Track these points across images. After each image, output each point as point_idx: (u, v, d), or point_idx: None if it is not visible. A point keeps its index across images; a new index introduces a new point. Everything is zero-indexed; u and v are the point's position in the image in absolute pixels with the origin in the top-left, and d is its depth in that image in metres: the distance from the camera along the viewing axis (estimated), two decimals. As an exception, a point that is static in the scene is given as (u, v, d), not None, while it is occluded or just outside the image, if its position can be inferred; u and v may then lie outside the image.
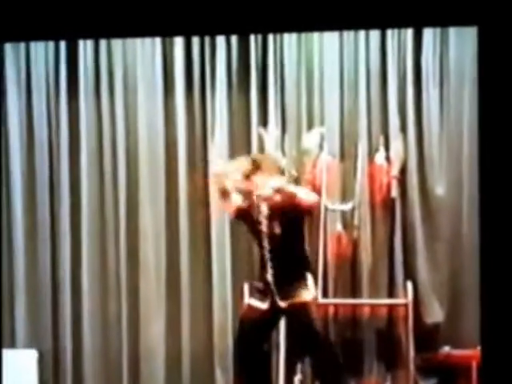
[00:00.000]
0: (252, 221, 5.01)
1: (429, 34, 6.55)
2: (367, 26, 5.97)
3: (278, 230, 4.92)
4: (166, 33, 6.22)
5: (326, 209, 6.47)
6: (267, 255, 4.94)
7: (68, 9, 5.22)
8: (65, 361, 6.66)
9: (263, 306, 4.96)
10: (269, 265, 4.92)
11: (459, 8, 4.40)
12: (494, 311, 3.78)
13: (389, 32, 6.54)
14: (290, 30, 6.21)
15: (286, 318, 5.25)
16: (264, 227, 4.94)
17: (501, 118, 3.83)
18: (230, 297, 6.57)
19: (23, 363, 6.52)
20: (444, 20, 4.79)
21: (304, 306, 4.91)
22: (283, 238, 4.92)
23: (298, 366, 6.30)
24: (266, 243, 4.95)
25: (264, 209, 4.95)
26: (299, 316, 4.92)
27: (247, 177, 5.01)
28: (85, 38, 6.57)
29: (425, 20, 4.82)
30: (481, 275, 3.84)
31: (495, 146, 3.82)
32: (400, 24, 5.67)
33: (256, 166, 5.02)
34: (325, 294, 6.43)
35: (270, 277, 4.93)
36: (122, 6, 5.16)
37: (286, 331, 5.95)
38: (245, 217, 5.11)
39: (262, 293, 4.99)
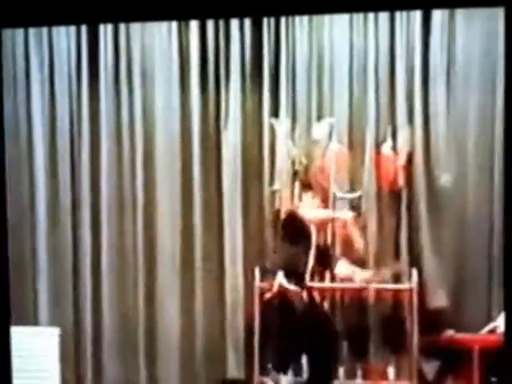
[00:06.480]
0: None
1: (436, 23, 6.65)
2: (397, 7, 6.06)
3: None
4: (181, 16, 6.41)
5: (335, 197, 6.69)
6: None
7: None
8: (85, 338, 6.99)
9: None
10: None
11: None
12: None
13: (397, 22, 6.66)
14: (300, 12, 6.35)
15: None
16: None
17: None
18: (241, 280, 6.83)
19: (46, 340, 6.84)
20: (471, 1, 4.83)
21: None
22: None
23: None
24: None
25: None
26: None
27: None
28: (104, 21, 6.78)
29: (451, 1, 4.86)
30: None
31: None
32: (427, 4, 5.72)
33: None
34: (332, 279, 6.69)
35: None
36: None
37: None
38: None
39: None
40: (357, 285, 6.65)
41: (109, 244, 6.98)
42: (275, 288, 5.95)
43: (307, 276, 5.98)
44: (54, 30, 7.01)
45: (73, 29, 7.00)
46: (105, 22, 6.78)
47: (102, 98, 7.04)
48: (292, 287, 5.90)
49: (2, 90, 6.63)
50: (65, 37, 7.06)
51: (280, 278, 5.94)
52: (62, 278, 7.00)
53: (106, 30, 7.01)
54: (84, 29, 7.00)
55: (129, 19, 6.62)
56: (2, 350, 3.12)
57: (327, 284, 6.63)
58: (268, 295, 6.02)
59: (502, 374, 3.50)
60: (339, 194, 6.66)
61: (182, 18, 6.79)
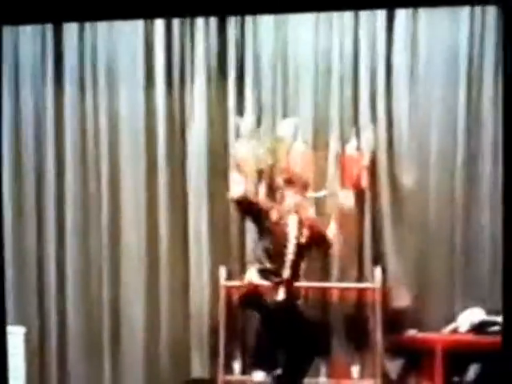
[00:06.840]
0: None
1: (400, 25, 6.67)
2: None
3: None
4: (147, 15, 6.40)
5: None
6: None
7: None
8: (50, 337, 6.97)
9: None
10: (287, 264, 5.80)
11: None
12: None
13: (362, 23, 6.67)
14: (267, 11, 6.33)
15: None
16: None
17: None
18: (206, 280, 6.83)
19: (11, 339, 6.81)
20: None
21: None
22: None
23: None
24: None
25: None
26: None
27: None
28: (69, 20, 6.75)
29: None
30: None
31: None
32: (416, 3, 5.68)
33: None
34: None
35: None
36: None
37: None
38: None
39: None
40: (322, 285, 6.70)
41: (73, 243, 6.97)
42: (245, 285, 5.90)
43: (285, 271, 5.85)
44: (20, 29, 6.97)
45: (37, 28, 6.97)
46: (70, 21, 6.78)
47: (67, 97, 7.01)
48: (264, 283, 5.82)
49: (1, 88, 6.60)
50: (30, 36, 7.02)
51: (251, 275, 5.89)
52: (27, 276, 6.98)
53: (71, 29, 6.98)
54: (49, 28, 6.97)
55: (94, 18, 6.63)
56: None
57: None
58: (237, 294, 5.99)
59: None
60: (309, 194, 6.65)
61: (148, 16, 6.80)
